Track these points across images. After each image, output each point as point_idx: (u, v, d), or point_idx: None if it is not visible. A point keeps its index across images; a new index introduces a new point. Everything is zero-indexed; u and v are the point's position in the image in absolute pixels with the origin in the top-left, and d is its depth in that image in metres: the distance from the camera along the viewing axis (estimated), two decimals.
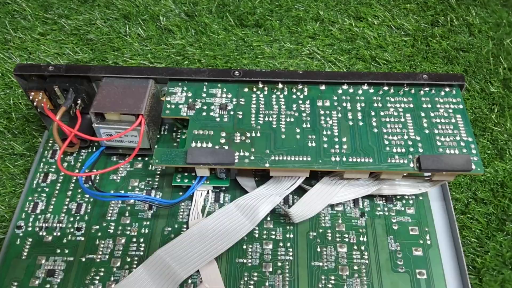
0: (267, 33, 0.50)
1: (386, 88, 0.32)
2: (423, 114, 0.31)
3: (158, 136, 0.36)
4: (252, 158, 0.29)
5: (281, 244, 0.31)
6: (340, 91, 0.32)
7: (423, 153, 0.29)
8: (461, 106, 0.31)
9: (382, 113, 0.31)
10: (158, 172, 0.34)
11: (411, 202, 0.33)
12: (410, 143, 0.30)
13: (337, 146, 0.29)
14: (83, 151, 0.36)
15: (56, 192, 0.33)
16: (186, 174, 0.32)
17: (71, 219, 0.32)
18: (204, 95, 0.32)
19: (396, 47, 0.49)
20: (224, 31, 0.50)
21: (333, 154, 0.29)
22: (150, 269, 0.27)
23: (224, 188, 0.33)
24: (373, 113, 0.31)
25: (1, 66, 0.46)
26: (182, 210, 0.32)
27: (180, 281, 0.28)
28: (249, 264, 0.30)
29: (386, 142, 0.30)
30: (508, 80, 0.47)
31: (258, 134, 0.30)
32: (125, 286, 0.27)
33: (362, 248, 0.31)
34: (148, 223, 0.32)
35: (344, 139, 0.30)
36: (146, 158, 0.35)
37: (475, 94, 0.46)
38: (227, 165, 0.29)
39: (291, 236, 0.31)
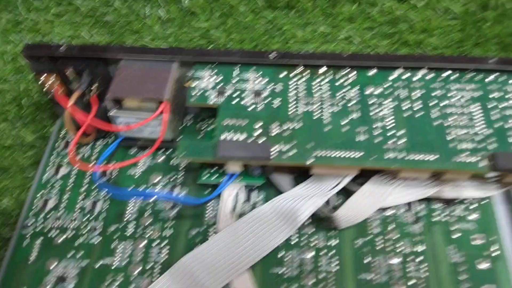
0: (299, 15, 0.45)
1: (447, 74, 0.28)
2: (492, 105, 0.26)
3: (181, 127, 0.32)
4: (293, 152, 0.25)
5: (323, 252, 0.27)
6: (393, 77, 0.28)
7: (496, 150, 0.24)
8: None
9: (444, 103, 0.27)
10: (182, 167, 0.30)
11: (473, 206, 0.28)
12: (479, 138, 0.25)
13: (392, 141, 0.25)
14: (98, 142, 0.32)
15: (69, 187, 0.30)
16: (214, 170, 0.28)
17: (85, 218, 0.28)
18: (235, 80, 0.28)
19: (443, 31, 0.44)
20: (251, 13, 0.45)
21: (388, 149, 0.25)
22: (175, 279, 0.24)
23: (256, 187, 0.29)
24: (433, 103, 0.27)
25: (12, 49, 0.43)
26: (208, 210, 0.29)
27: None
28: (286, 275, 0.26)
29: (451, 137, 0.25)
30: None
31: (299, 125, 0.26)
32: None
33: (419, 259, 0.26)
34: (171, 224, 0.28)
35: (401, 133, 0.25)
36: (169, 151, 0.31)
37: None
38: (263, 160, 0.25)
39: (335, 243, 0.27)
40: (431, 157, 0.24)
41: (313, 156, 0.25)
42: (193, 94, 0.27)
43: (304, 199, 0.26)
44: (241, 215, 0.28)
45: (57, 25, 0.45)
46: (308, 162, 0.24)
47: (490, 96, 0.27)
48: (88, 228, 0.28)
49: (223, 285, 0.24)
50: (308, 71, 0.28)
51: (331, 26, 0.44)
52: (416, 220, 0.28)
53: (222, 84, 0.28)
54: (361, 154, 0.25)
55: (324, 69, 0.28)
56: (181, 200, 0.26)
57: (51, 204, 0.29)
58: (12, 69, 0.41)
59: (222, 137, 0.26)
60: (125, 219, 0.28)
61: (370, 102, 0.27)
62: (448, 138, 0.25)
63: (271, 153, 0.25)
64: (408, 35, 0.43)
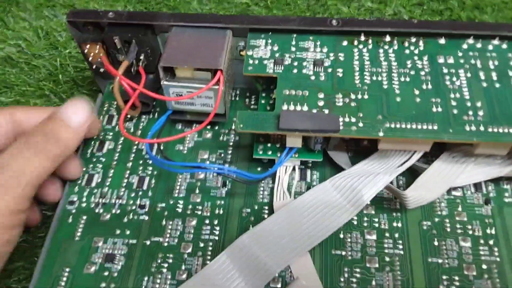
0: None
1: None
2: None
3: (230, 102, 0.30)
4: (361, 124, 0.23)
5: (387, 234, 0.25)
6: (465, 46, 0.26)
7: None
8: None
9: None
10: (231, 144, 0.29)
11: None
12: None
13: (470, 112, 0.23)
14: (144, 117, 0.30)
15: (115, 163, 0.28)
16: (269, 145, 0.26)
17: (133, 194, 0.27)
18: (293, 49, 0.26)
19: (496, 8, 0.42)
20: None
21: (466, 122, 0.23)
22: (235, 258, 0.22)
23: (310, 164, 0.28)
24: (511, 73, 0.24)
25: (46, 24, 0.41)
26: (262, 188, 0.27)
27: (271, 276, 0.22)
28: (349, 258, 0.24)
29: None
30: None
31: (366, 96, 0.24)
32: (208, 276, 0.21)
33: (491, 242, 0.24)
34: (222, 202, 0.26)
35: (479, 104, 0.23)
36: (217, 127, 0.30)
37: None
38: (331, 132, 0.23)
39: (400, 225, 0.25)
40: None
41: (383, 128, 0.23)
42: (250, 63, 0.26)
43: (369, 177, 0.24)
44: (296, 193, 0.26)
45: (92, 0, 0.43)
46: (379, 134, 0.23)
47: None
48: (136, 204, 0.26)
49: (285, 265, 0.22)
50: (372, 39, 0.26)
51: (378, 2, 0.42)
52: (486, 202, 0.26)
53: (279, 53, 0.26)
54: (437, 126, 0.23)
55: (388, 38, 0.26)
56: (241, 174, 0.25)
57: (96, 179, 0.28)
58: (47, 44, 0.40)
59: (284, 107, 0.24)
60: (174, 196, 0.27)
61: (443, 72, 0.25)
62: None
63: (340, 125, 0.23)
64: (459, 12, 0.41)
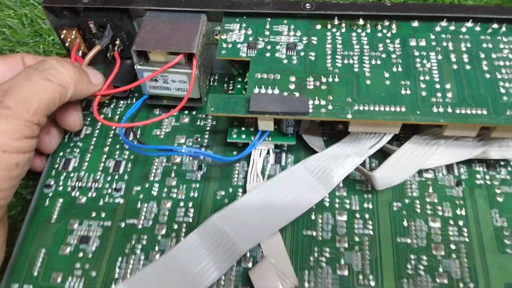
0: None
1: (496, 26, 0.26)
2: None
3: (207, 87, 0.30)
4: (330, 107, 0.23)
5: (357, 215, 0.25)
6: (438, 29, 0.26)
7: None
8: None
9: (494, 56, 0.25)
10: (208, 128, 0.29)
11: None
12: None
13: (439, 94, 0.23)
14: (122, 102, 0.31)
15: (91, 147, 0.29)
16: (243, 129, 0.26)
17: (109, 178, 0.27)
18: (267, 33, 0.26)
19: None
20: None
21: (434, 103, 0.23)
22: (205, 238, 0.22)
23: (286, 147, 0.28)
24: (482, 56, 0.25)
25: (31, 12, 0.41)
26: (237, 171, 0.27)
27: (240, 254, 0.23)
28: (320, 238, 0.25)
29: (503, 91, 0.23)
30: None
31: (337, 79, 0.24)
32: (177, 256, 0.22)
33: (460, 223, 0.25)
34: (197, 185, 0.27)
35: (448, 86, 0.24)
36: (194, 112, 0.30)
37: None
38: (300, 115, 0.23)
39: (370, 206, 0.25)
40: (481, 111, 0.22)
41: (352, 110, 0.23)
42: (224, 46, 0.26)
43: (339, 159, 0.25)
44: (270, 176, 0.26)
45: None
46: (348, 117, 0.23)
47: None
48: (112, 188, 0.27)
49: (254, 244, 0.23)
50: (345, 23, 0.26)
51: None
52: (458, 184, 0.26)
53: (253, 37, 0.26)
54: (404, 108, 0.23)
55: (361, 21, 0.26)
56: (212, 156, 0.25)
57: (73, 164, 0.28)
58: (31, 31, 0.40)
59: (256, 91, 0.24)
60: (149, 180, 0.27)
61: (414, 55, 0.25)
62: (501, 92, 0.23)
63: (310, 107, 0.23)
64: None
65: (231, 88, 0.31)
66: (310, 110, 0.23)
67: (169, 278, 0.21)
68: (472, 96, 0.23)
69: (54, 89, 0.23)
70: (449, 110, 0.23)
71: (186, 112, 0.30)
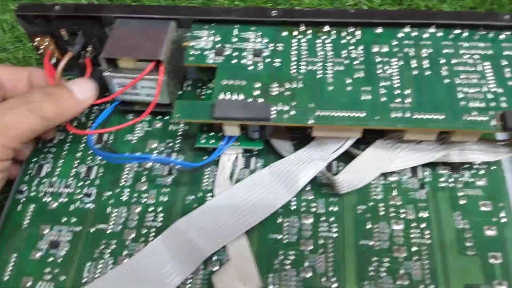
0: None
1: (458, 31, 0.26)
2: (505, 63, 0.25)
3: (180, 92, 0.31)
4: (293, 113, 0.24)
5: (323, 218, 0.26)
6: (401, 35, 0.26)
7: (507, 109, 0.23)
8: None
9: (454, 61, 0.25)
10: (180, 133, 0.30)
11: (481, 172, 0.27)
12: (490, 96, 0.24)
13: (398, 100, 0.24)
14: (95, 107, 0.31)
15: (64, 153, 0.29)
16: (212, 134, 0.27)
17: (80, 183, 0.28)
18: (235, 39, 0.27)
19: None
20: None
21: (393, 109, 0.24)
22: (169, 243, 0.23)
23: (256, 152, 0.28)
24: (443, 61, 0.25)
25: (12, 18, 0.42)
26: (206, 176, 0.28)
27: (203, 258, 0.23)
28: (285, 241, 0.25)
29: (461, 96, 0.24)
30: None
31: (300, 85, 0.25)
32: (140, 261, 0.22)
33: (423, 225, 0.25)
34: (167, 190, 0.27)
35: (408, 92, 0.24)
36: (167, 117, 0.30)
37: None
38: (262, 120, 0.23)
39: (336, 209, 0.26)
40: (439, 116, 0.23)
41: (314, 116, 0.24)
42: (191, 53, 0.26)
43: (304, 163, 0.25)
44: (239, 181, 0.27)
45: None
46: (309, 122, 0.23)
47: (503, 54, 0.25)
48: (83, 193, 0.27)
49: (218, 248, 0.23)
50: (311, 29, 0.27)
51: None
52: (421, 186, 0.26)
53: (221, 43, 0.27)
54: (365, 114, 0.23)
55: (327, 28, 0.27)
56: (176, 162, 0.26)
57: (46, 169, 0.28)
58: (12, 37, 0.40)
59: (221, 97, 0.24)
60: (120, 185, 0.27)
61: (376, 61, 0.25)
62: (458, 96, 0.24)
63: (272, 113, 0.24)
64: (418, 1, 0.42)
65: (203, 93, 0.31)
66: (273, 116, 0.24)
67: (132, 283, 0.22)
68: (430, 101, 0.24)
69: (36, 121, 0.24)
70: (408, 115, 0.23)
71: (159, 117, 0.30)
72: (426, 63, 0.25)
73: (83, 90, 0.25)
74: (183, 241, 0.23)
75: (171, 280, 0.22)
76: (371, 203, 0.26)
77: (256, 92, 0.25)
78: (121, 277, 0.22)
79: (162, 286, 0.22)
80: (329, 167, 0.28)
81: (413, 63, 0.25)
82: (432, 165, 0.27)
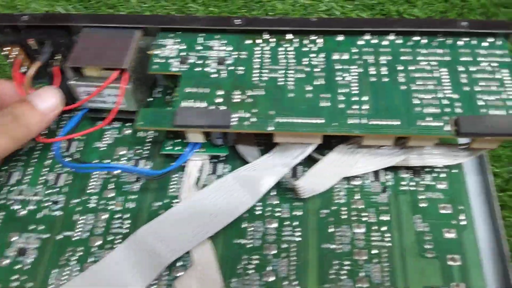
0: None
1: (417, 38, 0.27)
2: (461, 69, 0.26)
3: (150, 99, 0.31)
4: (253, 120, 0.24)
5: (287, 223, 0.26)
6: (361, 42, 0.27)
7: (462, 114, 0.24)
8: (508, 59, 0.26)
9: (411, 68, 0.26)
10: (149, 140, 0.30)
11: (442, 175, 0.28)
12: (446, 102, 0.24)
13: (356, 106, 0.24)
14: (65, 115, 0.31)
15: (34, 161, 0.29)
16: (178, 141, 0.27)
17: (48, 191, 0.28)
18: (199, 48, 0.27)
19: (426, 2, 0.43)
20: None
21: (351, 115, 0.24)
22: (130, 251, 0.23)
23: (223, 158, 0.29)
24: (401, 68, 0.26)
25: None
26: (174, 182, 0.28)
27: (165, 264, 0.23)
28: (249, 246, 0.26)
29: (417, 102, 0.24)
30: None
31: (262, 93, 0.25)
32: (101, 270, 0.23)
33: (383, 228, 0.26)
34: (134, 197, 0.28)
35: (365, 98, 0.25)
36: None
37: None
38: (223, 128, 0.24)
39: (300, 213, 0.27)
40: (395, 122, 0.24)
41: (274, 123, 0.24)
42: (155, 61, 0.27)
43: (267, 169, 0.26)
44: (205, 186, 0.27)
45: (33, 0, 0.44)
46: (269, 129, 0.24)
47: (460, 60, 0.26)
48: (51, 201, 0.27)
49: (179, 255, 0.24)
50: (275, 38, 0.27)
51: None
52: (383, 190, 0.27)
53: (185, 52, 0.27)
54: (323, 120, 0.24)
55: (290, 36, 0.27)
56: (138, 171, 0.26)
57: (15, 177, 0.29)
58: None
59: (183, 104, 0.25)
60: (88, 192, 0.28)
61: (336, 68, 0.26)
62: (414, 102, 0.24)
63: (231, 121, 0.24)
64: (390, 6, 0.42)
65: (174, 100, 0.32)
66: (234, 123, 0.24)
67: None
68: (386, 108, 0.24)
69: (6, 142, 0.24)
70: (364, 121, 0.24)
71: (129, 124, 0.31)
72: (384, 70, 0.26)
73: (46, 101, 0.26)
74: (145, 248, 0.23)
75: (133, 287, 0.22)
76: (334, 207, 0.27)
77: (219, 100, 0.25)
78: (83, 285, 0.22)
79: None
80: (294, 172, 0.28)
81: (372, 70, 0.26)
82: (394, 169, 0.28)
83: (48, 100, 0.26)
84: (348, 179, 0.27)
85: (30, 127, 0.25)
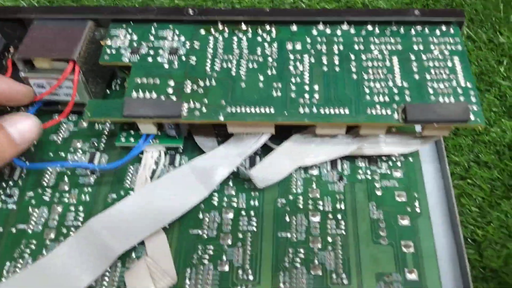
0: None
1: (370, 28, 0.27)
2: (413, 57, 0.26)
3: (108, 91, 0.31)
4: (205, 110, 0.24)
5: (243, 213, 0.26)
6: (314, 32, 0.27)
7: (411, 102, 0.24)
8: (459, 47, 0.26)
9: (363, 57, 0.26)
10: (106, 132, 0.30)
11: (398, 164, 0.28)
12: (395, 90, 0.24)
13: (306, 96, 0.24)
14: (22, 109, 0.31)
15: None
16: (133, 132, 0.27)
17: (4, 185, 0.27)
18: (152, 38, 0.27)
19: None
20: None
21: (301, 104, 0.24)
22: (80, 244, 0.23)
23: (181, 150, 0.29)
24: (353, 57, 0.26)
25: None
26: (130, 174, 0.28)
27: (114, 256, 0.23)
28: (205, 236, 0.25)
29: (367, 91, 0.24)
30: None
31: (213, 83, 0.25)
32: (49, 262, 0.22)
33: (339, 217, 0.26)
34: (90, 189, 0.27)
35: (316, 87, 0.25)
36: None
37: (482, 45, 0.41)
38: (173, 118, 0.24)
39: (256, 204, 0.27)
40: (345, 111, 0.24)
41: (225, 113, 0.24)
42: (107, 52, 0.26)
43: (222, 159, 0.26)
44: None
45: None
46: (220, 119, 0.24)
47: (412, 48, 0.26)
48: (5, 194, 0.27)
49: (130, 246, 0.24)
50: (228, 28, 0.27)
51: None
52: (339, 179, 0.27)
53: (138, 42, 0.27)
54: (274, 110, 0.24)
55: (244, 27, 0.27)
56: (91, 167, 0.26)
57: None
58: None
59: (134, 95, 0.25)
60: (43, 185, 0.27)
61: (289, 58, 0.26)
62: (364, 91, 0.24)
63: (182, 111, 0.24)
64: None
65: None
66: (184, 114, 0.24)
67: (40, 285, 0.22)
68: (337, 97, 0.24)
69: None
70: (314, 110, 0.24)
71: None
72: (336, 60, 0.26)
73: (23, 133, 0.24)
74: (94, 240, 0.23)
75: (81, 280, 0.22)
76: (291, 197, 0.27)
77: (170, 90, 0.25)
78: (29, 279, 0.22)
79: (72, 286, 0.22)
80: (252, 163, 0.28)
81: (324, 60, 0.26)
82: (351, 159, 0.28)
83: (26, 133, 0.24)
84: (305, 169, 0.28)
85: (5, 156, 0.23)
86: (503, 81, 0.38)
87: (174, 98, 0.25)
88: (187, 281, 0.24)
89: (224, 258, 0.25)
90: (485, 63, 0.39)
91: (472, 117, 0.23)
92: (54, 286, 0.22)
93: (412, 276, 0.24)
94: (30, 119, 0.25)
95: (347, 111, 0.24)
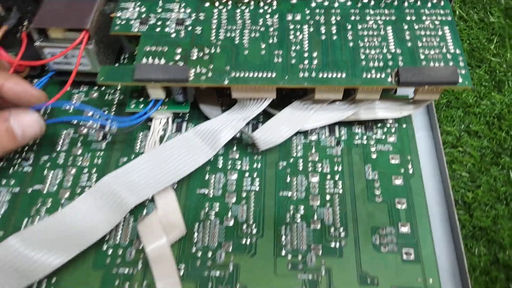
0: None
1: (365, 0, 0.29)
2: (406, 27, 0.27)
3: (117, 64, 0.32)
4: (210, 75, 0.26)
5: (247, 174, 0.28)
6: (313, 4, 0.29)
7: (404, 66, 0.26)
8: (449, 18, 0.28)
9: (359, 27, 0.27)
10: (116, 102, 0.31)
11: (393, 130, 0.30)
12: (389, 56, 0.26)
13: (306, 62, 0.26)
14: (35, 80, 0.32)
15: None
16: (142, 99, 0.29)
17: (19, 149, 0.29)
18: (159, 10, 0.29)
19: None
20: None
21: (301, 69, 0.26)
22: (96, 197, 0.25)
23: (187, 117, 0.30)
24: (349, 27, 0.27)
25: None
26: (140, 140, 0.30)
27: (128, 208, 0.25)
28: (211, 195, 0.27)
29: (362, 57, 0.26)
30: (510, 9, 0.43)
31: (218, 50, 0.27)
32: (68, 213, 0.24)
33: (336, 177, 0.28)
34: (101, 153, 0.29)
35: (315, 54, 0.26)
36: (103, 88, 0.32)
37: (473, 25, 0.42)
38: (181, 81, 0.25)
39: (259, 166, 0.28)
40: (342, 75, 0.25)
41: (229, 77, 0.26)
42: (117, 23, 0.28)
43: (226, 123, 0.27)
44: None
45: None
46: (224, 83, 0.25)
47: (405, 19, 0.28)
48: (22, 157, 0.29)
49: (142, 199, 0.25)
50: (231, 1, 0.29)
51: None
52: (337, 143, 0.29)
53: (146, 14, 0.28)
54: (275, 74, 0.26)
55: None
56: (107, 117, 0.28)
57: None
58: None
59: (143, 61, 0.26)
60: (57, 149, 0.29)
61: (289, 28, 0.27)
62: (360, 57, 0.26)
63: (190, 75, 0.26)
64: None
65: None
66: (191, 78, 0.26)
67: (61, 232, 0.23)
68: (334, 62, 0.26)
69: None
70: (313, 74, 0.25)
71: (96, 87, 0.32)
72: (333, 29, 0.27)
73: (28, 128, 0.25)
74: (109, 195, 0.25)
75: (98, 229, 0.24)
76: (291, 160, 0.28)
77: (177, 57, 0.27)
78: (51, 227, 0.23)
79: (90, 235, 0.24)
80: (255, 129, 0.30)
81: (322, 29, 0.27)
82: (348, 125, 0.30)
83: (28, 129, 0.25)
84: (305, 134, 0.29)
85: (5, 149, 0.25)
86: (493, 57, 0.40)
87: (181, 63, 0.26)
88: (195, 234, 0.26)
89: (230, 214, 0.26)
90: (476, 42, 0.41)
91: (460, 80, 0.25)
92: (74, 233, 0.23)
93: (405, 229, 0.26)
94: (34, 115, 0.25)
95: (344, 75, 0.25)
